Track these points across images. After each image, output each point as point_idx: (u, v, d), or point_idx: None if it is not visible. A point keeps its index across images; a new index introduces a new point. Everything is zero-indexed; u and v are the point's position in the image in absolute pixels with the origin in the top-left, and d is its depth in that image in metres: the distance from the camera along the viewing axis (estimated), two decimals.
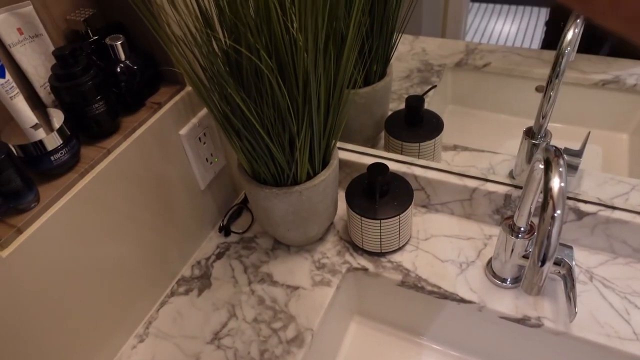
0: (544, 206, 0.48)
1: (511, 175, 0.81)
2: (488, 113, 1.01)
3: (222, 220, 0.87)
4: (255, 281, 0.76)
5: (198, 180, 0.80)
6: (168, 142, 0.71)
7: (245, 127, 0.63)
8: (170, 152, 0.72)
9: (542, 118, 0.73)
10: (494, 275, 0.70)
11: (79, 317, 0.62)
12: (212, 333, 0.70)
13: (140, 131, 0.66)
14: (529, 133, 0.76)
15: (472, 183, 0.76)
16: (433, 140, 0.86)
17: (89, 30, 0.63)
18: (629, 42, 0.16)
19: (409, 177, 0.81)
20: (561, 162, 0.50)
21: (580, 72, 0.83)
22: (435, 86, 0.98)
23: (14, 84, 0.52)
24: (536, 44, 0.92)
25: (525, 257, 0.65)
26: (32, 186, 0.54)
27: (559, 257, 0.64)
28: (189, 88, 0.73)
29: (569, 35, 0.66)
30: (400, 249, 0.77)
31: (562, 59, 0.67)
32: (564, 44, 0.67)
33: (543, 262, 0.48)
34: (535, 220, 0.65)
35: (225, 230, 0.85)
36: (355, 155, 0.86)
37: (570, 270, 0.63)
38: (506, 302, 0.67)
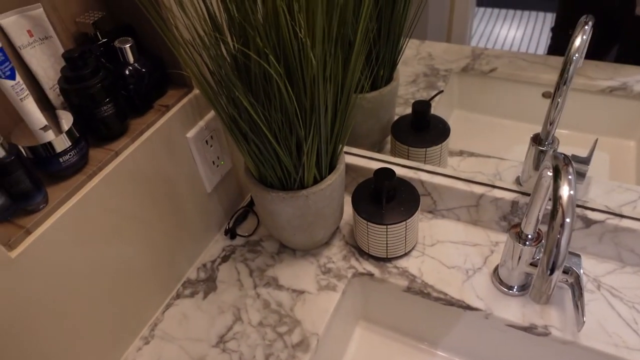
0: (553, 214, 0.48)
1: (518, 181, 0.81)
2: (494, 118, 1.01)
3: (228, 223, 0.87)
4: (260, 285, 0.76)
5: (205, 183, 0.80)
6: (175, 144, 0.71)
7: (252, 131, 0.63)
8: (178, 155, 0.72)
9: (550, 124, 0.73)
10: (501, 282, 0.69)
11: (85, 318, 0.62)
12: (218, 336, 0.70)
13: (148, 133, 0.66)
14: (537, 139, 0.76)
15: (478, 189, 0.76)
16: (440, 145, 0.86)
17: (97, 33, 0.63)
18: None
19: (416, 182, 0.81)
20: (570, 169, 0.50)
21: (588, 79, 0.83)
22: (441, 91, 0.98)
23: (24, 85, 0.52)
24: (542, 49, 0.91)
25: (533, 264, 0.64)
26: (41, 187, 0.54)
27: (567, 265, 0.63)
28: (196, 91, 0.73)
29: (577, 41, 0.66)
30: (406, 254, 0.76)
31: (570, 65, 0.67)
32: (572, 51, 0.66)
33: (552, 271, 0.48)
34: (543, 228, 0.64)
35: (231, 233, 0.85)
36: (362, 159, 0.86)
37: (578, 278, 0.62)
38: (513, 310, 0.67)
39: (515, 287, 0.68)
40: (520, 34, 1.07)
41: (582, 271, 0.62)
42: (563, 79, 0.68)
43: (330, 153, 0.69)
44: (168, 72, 0.71)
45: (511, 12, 1.12)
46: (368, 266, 0.76)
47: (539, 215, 0.61)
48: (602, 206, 0.70)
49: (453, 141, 0.88)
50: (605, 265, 0.71)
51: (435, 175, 0.80)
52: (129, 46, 0.63)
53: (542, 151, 0.76)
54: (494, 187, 0.76)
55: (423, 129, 0.87)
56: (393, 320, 0.81)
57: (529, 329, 0.65)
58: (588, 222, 0.70)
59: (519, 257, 0.65)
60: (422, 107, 0.86)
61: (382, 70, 0.86)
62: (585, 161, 0.76)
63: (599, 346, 0.62)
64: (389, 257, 0.76)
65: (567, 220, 0.47)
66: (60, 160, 0.56)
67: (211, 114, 0.77)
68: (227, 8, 0.55)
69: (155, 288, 0.74)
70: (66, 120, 0.58)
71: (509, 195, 0.74)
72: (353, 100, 0.66)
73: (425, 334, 0.79)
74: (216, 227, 0.86)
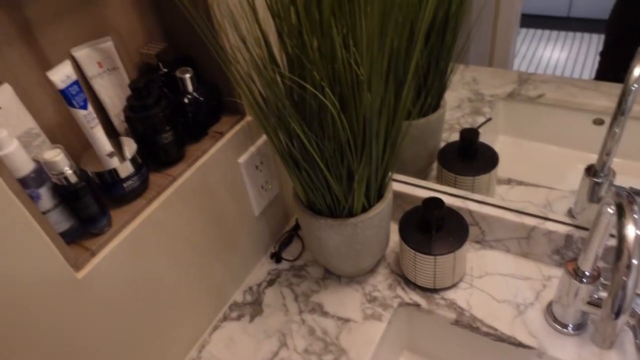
0: (618, 255, 0.46)
1: (571, 213, 0.78)
2: (543, 145, 0.99)
3: (274, 247, 0.88)
4: (306, 310, 0.76)
5: (253, 207, 0.81)
6: (228, 169, 0.73)
7: (304, 159, 0.64)
8: (229, 180, 0.74)
9: (606, 155, 0.71)
10: (555, 320, 0.67)
11: (138, 336, 0.64)
12: None
13: (203, 159, 0.68)
14: (591, 171, 0.74)
15: (530, 221, 0.74)
16: (488, 174, 0.85)
17: (159, 63, 0.67)
18: None
19: (464, 211, 0.80)
20: (635, 208, 0.48)
21: None
22: (490, 119, 0.97)
23: (94, 114, 0.55)
24: (587, 72, 0.89)
25: (591, 303, 0.62)
26: (106, 211, 0.57)
27: None
28: (248, 118, 0.75)
29: (636, 71, 0.64)
30: (454, 285, 0.75)
31: (628, 96, 0.65)
32: (631, 81, 0.65)
33: (617, 315, 0.46)
34: (601, 265, 0.62)
35: (277, 257, 0.86)
36: (408, 186, 0.86)
37: None
38: (568, 350, 0.64)
39: (571, 326, 0.66)
40: (565, 56, 1.05)
41: None
42: (621, 109, 0.66)
43: (380, 181, 0.69)
44: (223, 99, 0.73)
45: (555, 33, 1.10)
46: (414, 296, 0.75)
47: (597, 252, 0.59)
48: None
49: (500, 168, 0.86)
50: None
51: (484, 205, 0.79)
52: (189, 76, 0.65)
53: (597, 183, 0.74)
54: (546, 219, 0.74)
55: (471, 156, 0.86)
56: (439, 352, 0.79)
57: None
58: None
59: (575, 295, 0.62)
60: (470, 135, 0.85)
61: (429, 97, 0.86)
62: None
63: None
64: (436, 287, 0.74)
65: (634, 261, 0.45)
66: (124, 185, 0.58)
67: (262, 139, 0.79)
68: (285, 42, 0.57)
69: (203, 309, 0.75)
70: (129, 146, 0.61)
71: (563, 229, 0.72)
72: (403, 129, 0.66)
73: None
74: (262, 250, 0.88)
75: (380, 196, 0.71)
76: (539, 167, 0.95)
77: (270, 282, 0.82)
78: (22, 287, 0.48)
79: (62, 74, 0.51)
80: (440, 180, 0.88)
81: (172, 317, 0.69)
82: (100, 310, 0.57)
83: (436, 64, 0.81)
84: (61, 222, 0.54)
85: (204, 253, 0.72)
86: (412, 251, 0.72)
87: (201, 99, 0.67)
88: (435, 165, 0.94)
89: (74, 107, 0.53)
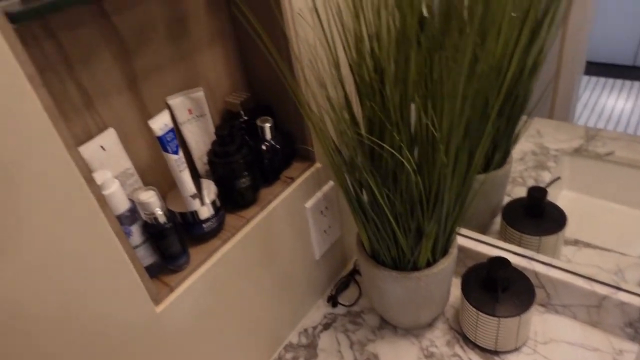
0: None
1: None
2: (612, 204, 0.95)
3: (331, 291, 0.89)
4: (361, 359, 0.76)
5: (315, 250, 0.83)
6: (295, 213, 0.76)
7: (374, 210, 0.65)
8: (295, 223, 0.76)
9: None
10: None
11: None
12: None
13: (275, 203, 0.71)
14: None
15: (601, 289, 0.71)
16: (556, 235, 0.83)
17: (241, 111, 0.71)
18: None
19: (529, 272, 0.78)
20: None
21: None
22: (558, 178, 0.95)
23: (184, 159, 0.60)
24: None
25: None
26: (187, 250, 0.60)
27: None
28: (318, 164, 0.78)
29: None
30: (516, 349, 0.73)
31: None
32: None
33: None
34: None
35: (333, 301, 0.87)
36: (471, 241, 0.85)
37: None
38: None
39: None
40: (630, 106, 1.02)
41: None
42: None
43: (447, 237, 0.69)
44: (296, 146, 0.76)
45: (619, 81, 1.08)
46: (474, 357, 0.73)
47: None
48: None
49: (566, 227, 0.84)
50: None
51: (552, 268, 0.77)
52: (269, 126, 0.69)
53: None
54: (619, 289, 0.71)
55: (537, 215, 0.85)
56: None
57: None
58: None
59: None
60: (538, 194, 0.84)
61: (497, 152, 0.86)
62: None
63: None
64: (497, 350, 0.72)
65: None
66: (204, 226, 0.62)
67: (329, 185, 0.81)
68: (364, 101, 0.60)
69: (260, 347, 0.77)
70: (210, 189, 0.64)
71: (638, 301, 0.69)
72: (475, 187, 0.67)
73: None
74: (319, 292, 0.89)
75: (445, 251, 0.71)
76: (608, 229, 0.91)
77: (326, 326, 0.83)
78: (106, 318, 0.51)
79: (160, 123, 0.56)
80: (504, 236, 0.87)
81: (232, 353, 0.71)
82: (172, 343, 0.60)
83: (507, 122, 0.81)
84: (146, 257, 0.58)
85: (266, 292, 0.74)
86: (475, 310, 0.71)
87: (277, 146, 0.71)
88: (498, 219, 0.93)
89: (168, 152, 0.57)
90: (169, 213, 0.57)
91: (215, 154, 0.65)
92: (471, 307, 0.71)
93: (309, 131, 0.74)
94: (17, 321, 0.43)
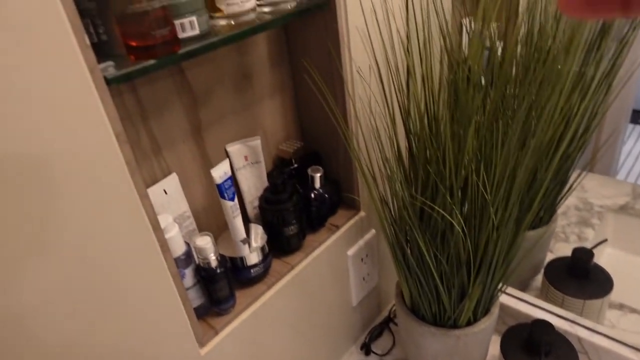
0: None
1: None
2: None
3: (365, 338, 0.89)
4: None
5: (352, 297, 0.83)
6: (337, 261, 0.77)
7: (418, 265, 0.66)
8: (337, 270, 0.77)
9: None
10: None
11: None
12: None
13: (319, 251, 0.72)
14: None
15: None
16: (601, 299, 0.81)
17: (293, 159, 0.73)
18: None
19: (571, 336, 0.76)
20: None
21: None
22: (605, 240, 0.93)
23: (238, 205, 0.62)
24: None
25: None
26: (234, 294, 0.62)
27: None
28: (362, 213, 0.79)
29: None
30: None
31: None
32: None
33: None
34: None
35: (367, 349, 0.87)
36: (511, 299, 0.84)
37: None
38: None
39: None
40: None
41: None
42: None
43: (489, 297, 0.69)
44: (342, 194, 0.78)
45: None
46: None
47: None
48: None
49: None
50: None
51: (595, 334, 0.75)
52: (319, 175, 0.71)
53: None
54: None
55: (582, 277, 0.83)
56: None
57: None
58: None
59: None
60: (584, 256, 0.82)
61: (542, 211, 0.86)
62: None
63: None
64: None
65: None
66: (251, 271, 0.64)
67: (370, 233, 0.82)
68: (416, 162, 0.61)
69: None
70: (258, 234, 0.66)
71: None
72: (521, 252, 0.67)
73: None
74: (352, 339, 0.89)
75: (486, 310, 0.71)
76: None
77: None
78: (152, 357, 0.53)
79: (221, 171, 0.59)
80: (545, 296, 0.85)
81: None
82: None
83: (556, 185, 0.81)
84: (195, 299, 0.60)
85: (302, 337, 0.75)
86: None
87: (326, 195, 0.72)
88: (539, 277, 0.92)
89: (224, 198, 0.60)
90: (220, 258, 0.59)
91: (267, 200, 0.67)
92: None
93: (356, 180, 0.75)
94: (73, 349, 0.46)
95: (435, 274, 0.64)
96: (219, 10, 0.51)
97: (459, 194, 0.58)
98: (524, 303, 0.83)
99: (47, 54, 0.36)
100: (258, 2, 0.55)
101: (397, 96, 0.62)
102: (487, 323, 0.69)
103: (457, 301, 0.66)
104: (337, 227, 0.76)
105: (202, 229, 0.66)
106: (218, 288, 0.59)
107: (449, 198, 0.57)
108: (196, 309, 0.60)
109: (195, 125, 0.61)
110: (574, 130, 0.71)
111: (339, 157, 0.74)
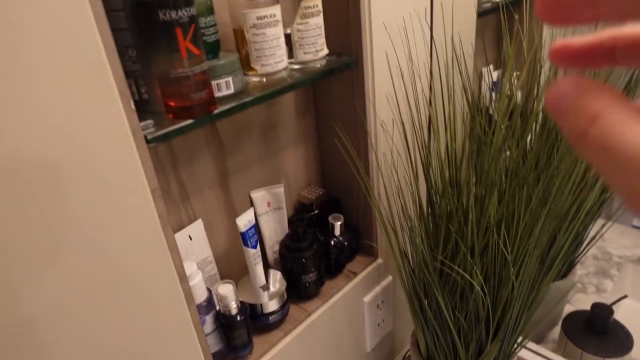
0: None
1: None
2: None
3: None
4: None
5: (367, 343, 0.83)
6: (353, 307, 0.77)
7: (436, 319, 0.66)
8: (352, 317, 0.77)
9: None
10: None
11: None
12: None
13: (336, 298, 0.73)
14: None
15: None
16: (621, 358, 0.79)
17: (313, 204, 0.75)
18: None
19: None
20: None
21: None
22: (625, 296, 0.92)
23: (260, 253, 0.63)
24: None
25: None
26: (252, 340, 0.62)
27: None
28: (379, 260, 0.79)
29: None
30: None
31: None
32: None
33: None
34: None
35: None
36: (529, 353, 0.82)
37: None
38: None
39: None
40: None
41: None
42: None
43: (508, 354, 0.68)
44: (360, 241, 0.79)
45: None
46: None
47: None
48: None
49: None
50: None
51: None
52: (340, 224, 0.72)
53: None
54: None
55: (601, 333, 0.82)
56: None
57: None
58: None
59: None
60: (603, 313, 0.81)
61: (561, 265, 0.85)
62: None
63: None
64: None
65: None
66: (269, 318, 0.64)
67: (387, 280, 0.82)
68: (438, 222, 0.62)
69: None
70: (278, 281, 0.67)
71: None
72: (537, 304, 0.66)
73: None
74: None
75: None
76: None
77: None
78: None
79: (245, 220, 0.60)
80: (562, 350, 0.84)
81: None
82: None
83: (576, 239, 0.81)
84: (213, 345, 0.60)
85: None
86: None
87: (345, 243, 0.73)
88: (557, 329, 0.90)
89: (247, 246, 0.61)
90: (242, 307, 0.60)
91: (288, 247, 0.68)
92: None
93: (375, 228, 0.76)
94: None
95: (452, 329, 0.64)
96: (253, 69, 0.53)
97: (482, 255, 0.58)
98: (541, 357, 0.82)
99: (96, 117, 0.38)
100: (289, 60, 0.58)
101: (419, 152, 0.63)
102: None
103: (475, 356, 0.66)
104: (355, 274, 0.76)
105: (222, 272, 0.67)
106: (237, 335, 0.59)
107: (469, 258, 0.57)
108: (214, 355, 0.60)
109: (222, 173, 0.63)
110: (597, 194, 0.71)
111: (359, 204, 0.76)
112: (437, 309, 0.64)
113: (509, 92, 0.58)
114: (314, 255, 0.68)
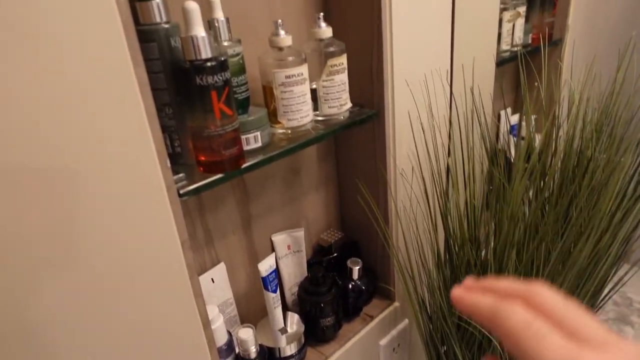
0: None
1: None
2: None
3: None
4: None
5: None
6: (369, 350, 0.77)
7: None
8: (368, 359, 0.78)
9: None
10: None
11: None
12: None
13: (353, 341, 0.73)
14: None
15: None
16: None
17: (332, 247, 0.76)
18: None
19: None
20: None
21: None
22: None
23: (279, 297, 0.64)
24: None
25: None
26: None
27: None
28: (396, 303, 0.80)
29: None
30: None
31: None
32: None
33: None
34: None
35: None
36: None
37: None
38: None
39: None
40: None
41: None
42: None
43: None
44: (378, 284, 0.80)
45: None
46: None
47: None
48: None
49: None
50: None
51: None
52: (358, 268, 0.74)
53: None
54: None
55: None
56: None
57: None
58: None
59: None
60: None
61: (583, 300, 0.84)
62: None
63: None
64: None
65: None
66: None
67: (404, 323, 0.82)
68: (456, 270, 0.63)
69: None
70: (295, 322, 0.68)
71: None
72: None
73: None
74: None
75: None
76: None
77: None
78: None
79: (267, 265, 0.62)
80: None
81: None
82: None
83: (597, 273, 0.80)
84: None
85: None
86: None
87: (363, 287, 0.74)
88: None
89: (268, 290, 0.62)
90: (260, 350, 0.61)
91: (306, 291, 0.69)
92: None
93: (392, 272, 0.77)
94: None
95: None
96: (280, 122, 0.56)
97: None
98: None
99: (136, 175, 0.40)
100: (314, 112, 0.60)
101: (438, 201, 0.64)
102: None
103: None
104: (372, 318, 0.77)
105: (242, 314, 0.68)
106: None
107: None
108: None
109: (245, 218, 0.65)
110: (619, 244, 0.71)
111: (377, 249, 0.77)
112: (453, 359, 0.65)
113: (527, 141, 0.60)
114: (332, 299, 0.69)
